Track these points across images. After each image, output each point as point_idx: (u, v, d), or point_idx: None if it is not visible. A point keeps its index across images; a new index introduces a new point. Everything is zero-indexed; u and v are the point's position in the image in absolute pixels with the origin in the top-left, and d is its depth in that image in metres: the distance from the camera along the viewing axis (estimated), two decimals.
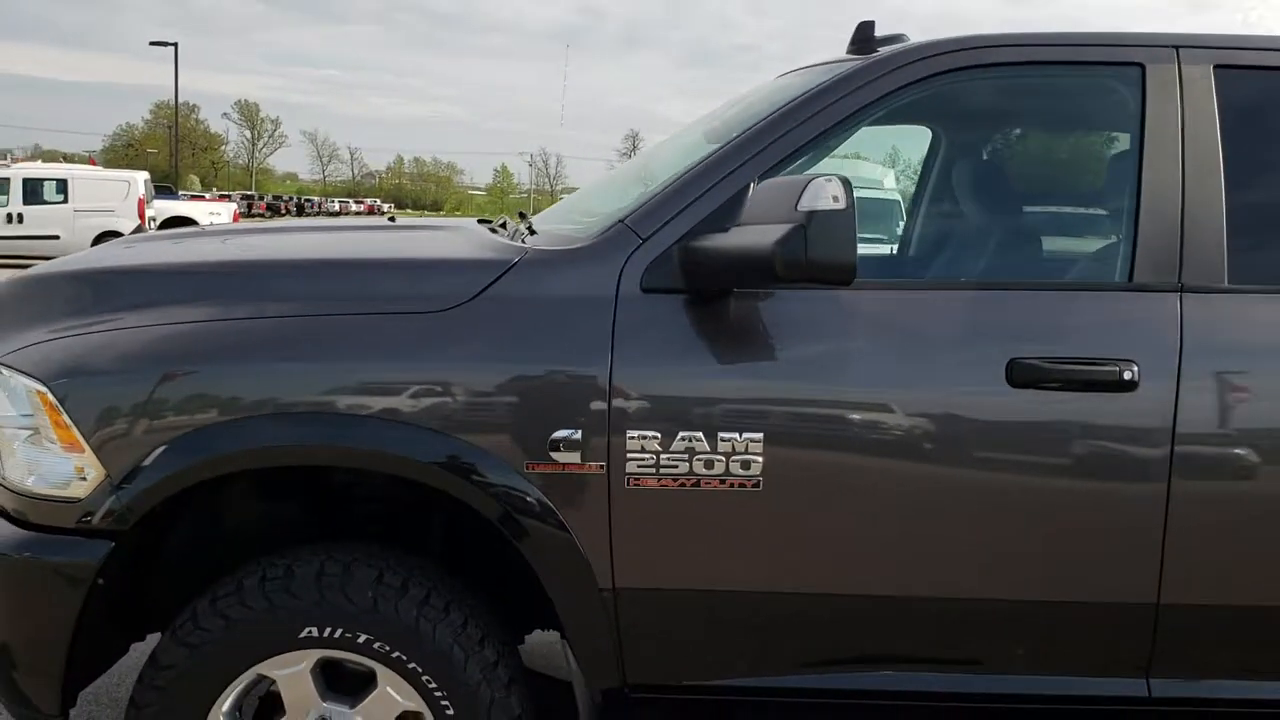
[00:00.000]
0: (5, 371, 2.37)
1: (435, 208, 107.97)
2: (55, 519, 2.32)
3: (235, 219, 25.50)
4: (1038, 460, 2.35)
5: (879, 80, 2.47)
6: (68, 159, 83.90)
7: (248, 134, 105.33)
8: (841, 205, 2.06)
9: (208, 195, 51.26)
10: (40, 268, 2.77)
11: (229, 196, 56.99)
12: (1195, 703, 2.49)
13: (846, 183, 2.09)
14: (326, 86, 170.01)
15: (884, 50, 2.56)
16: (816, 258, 2.07)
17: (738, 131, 2.52)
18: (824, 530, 2.37)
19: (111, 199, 20.66)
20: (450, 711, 2.34)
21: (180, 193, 35.60)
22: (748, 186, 2.34)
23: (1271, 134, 2.56)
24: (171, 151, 49.75)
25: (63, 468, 2.31)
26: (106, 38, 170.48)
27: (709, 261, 2.28)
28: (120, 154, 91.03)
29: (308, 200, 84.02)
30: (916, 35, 2.70)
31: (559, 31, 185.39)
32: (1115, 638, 2.43)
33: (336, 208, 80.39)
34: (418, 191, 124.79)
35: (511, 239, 2.76)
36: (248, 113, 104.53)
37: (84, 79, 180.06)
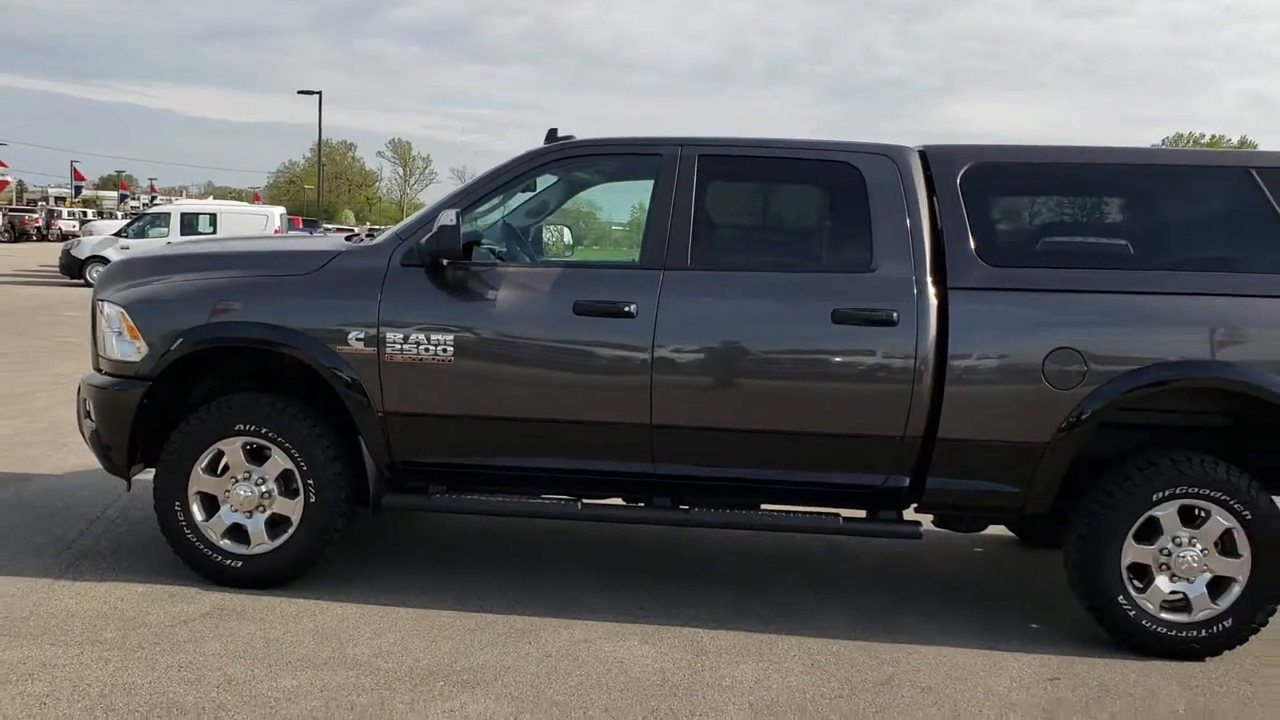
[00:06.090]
0: (108, 306, 4.99)
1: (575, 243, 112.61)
2: (125, 372, 4.94)
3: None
4: (587, 348, 4.69)
5: (527, 161, 4.91)
6: (237, 195, 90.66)
7: (400, 171, 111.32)
8: (453, 223, 4.49)
9: (355, 228, 55.86)
10: (127, 254, 5.44)
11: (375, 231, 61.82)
12: (682, 477, 4.78)
13: (459, 214, 4.53)
14: (478, 124, 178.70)
15: (533, 148, 4.97)
16: (440, 248, 4.55)
17: (462, 185, 4.99)
18: (485, 382, 4.75)
19: (253, 230, 24.35)
20: (304, 467, 4.81)
21: (324, 225, 39.60)
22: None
23: (722, 189, 4.89)
24: (319, 188, 54.48)
25: (130, 349, 4.91)
26: (277, 79, 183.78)
27: (421, 250, 4.72)
28: (282, 190, 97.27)
29: None
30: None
31: (705, 68, 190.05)
32: (631, 440, 4.73)
33: None
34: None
35: (356, 242, 5.24)
36: (400, 151, 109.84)
37: (254, 119, 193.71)
